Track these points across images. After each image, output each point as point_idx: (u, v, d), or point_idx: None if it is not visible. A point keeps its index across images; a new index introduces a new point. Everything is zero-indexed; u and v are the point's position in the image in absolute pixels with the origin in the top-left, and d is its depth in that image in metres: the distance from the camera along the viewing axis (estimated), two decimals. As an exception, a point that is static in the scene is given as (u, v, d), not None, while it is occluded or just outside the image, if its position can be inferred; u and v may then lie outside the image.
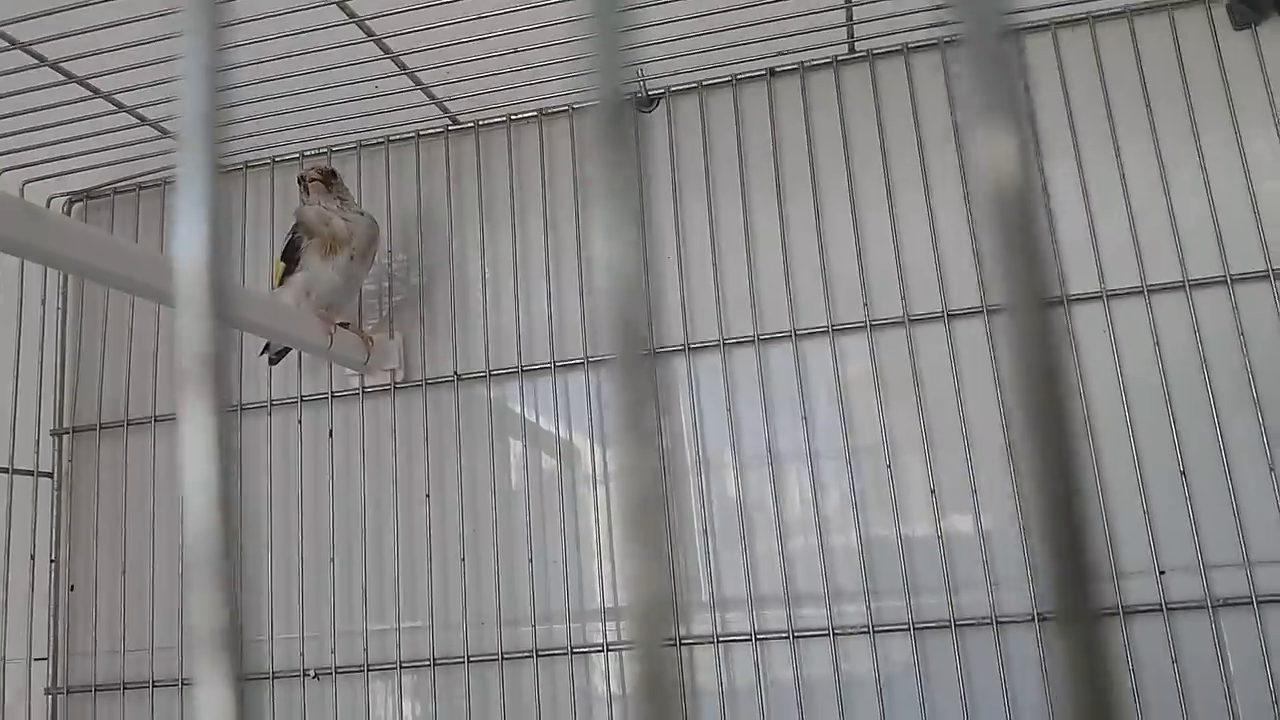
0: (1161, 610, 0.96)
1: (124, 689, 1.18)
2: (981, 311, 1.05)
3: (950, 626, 1.00)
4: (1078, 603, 0.18)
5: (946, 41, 1.11)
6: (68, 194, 1.31)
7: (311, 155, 1.26)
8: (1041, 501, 0.18)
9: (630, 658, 0.18)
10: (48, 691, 1.20)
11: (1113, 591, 0.97)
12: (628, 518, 0.19)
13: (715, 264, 1.13)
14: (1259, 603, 0.94)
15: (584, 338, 1.14)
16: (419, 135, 1.24)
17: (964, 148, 1.07)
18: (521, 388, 1.16)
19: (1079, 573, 0.18)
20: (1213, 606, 0.95)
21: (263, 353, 1.19)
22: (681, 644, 1.06)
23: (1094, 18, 1.08)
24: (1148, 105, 1.05)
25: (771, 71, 1.15)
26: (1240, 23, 1.05)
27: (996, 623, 0.99)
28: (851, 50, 1.13)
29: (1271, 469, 0.96)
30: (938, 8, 1.03)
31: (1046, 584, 0.18)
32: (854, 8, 1.05)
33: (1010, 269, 0.18)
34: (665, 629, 0.18)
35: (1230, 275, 1.00)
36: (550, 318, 1.16)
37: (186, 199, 0.20)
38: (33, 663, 1.17)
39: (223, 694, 0.19)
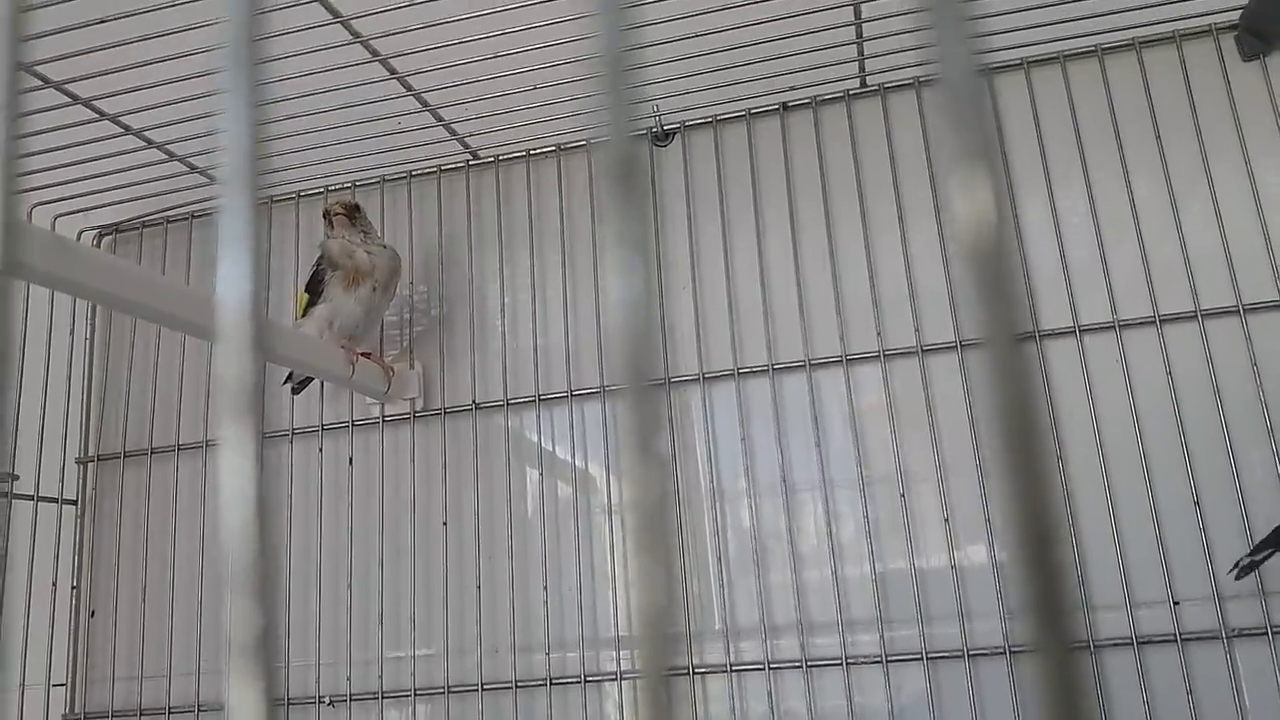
0: (1176, 641, 0.95)
1: (141, 715, 1.19)
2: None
3: (964, 656, 0.99)
4: (1053, 634, 0.18)
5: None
6: (97, 228, 1.34)
7: (336, 190, 1.29)
8: (1017, 536, 0.18)
9: (637, 661, 0.19)
10: (65, 717, 1.21)
11: (1127, 622, 0.97)
12: (637, 534, 0.19)
13: (730, 294, 1.14)
14: (1274, 633, 0.93)
15: (600, 368, 1.15)
16: (440, 170, 1.27)
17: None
18: (539, 417, 1.17)
19: (1055, 605, 0.18)
20: (1227, 637, 0.94)
21: (285, 382, 1.21)
22: (695, 672, 1.06)
23: (1103, 49, 1.09)
24: (1157, 136, 1.06)
25: (784, 105, 1.17)
26: (1249, 54, 1.06)
27: (1010, 652, 0.98)
28: (863, 84, 1.15)
29: (1286, 498, 0.96)
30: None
31: (1019, 615, 0.18)
32: (865, 42, 1.06)
33: (987, 311, 0.19)
34: (673, 640, 0.19)
35: (1243, 305, 1.01)
36: (568, 348, 1.17)
37: (229, 237, 0.21)
38: (51, 688, 1.18)
39: (254, 701, 0.20)
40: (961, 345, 1.06)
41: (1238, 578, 0.90)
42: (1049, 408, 1.03)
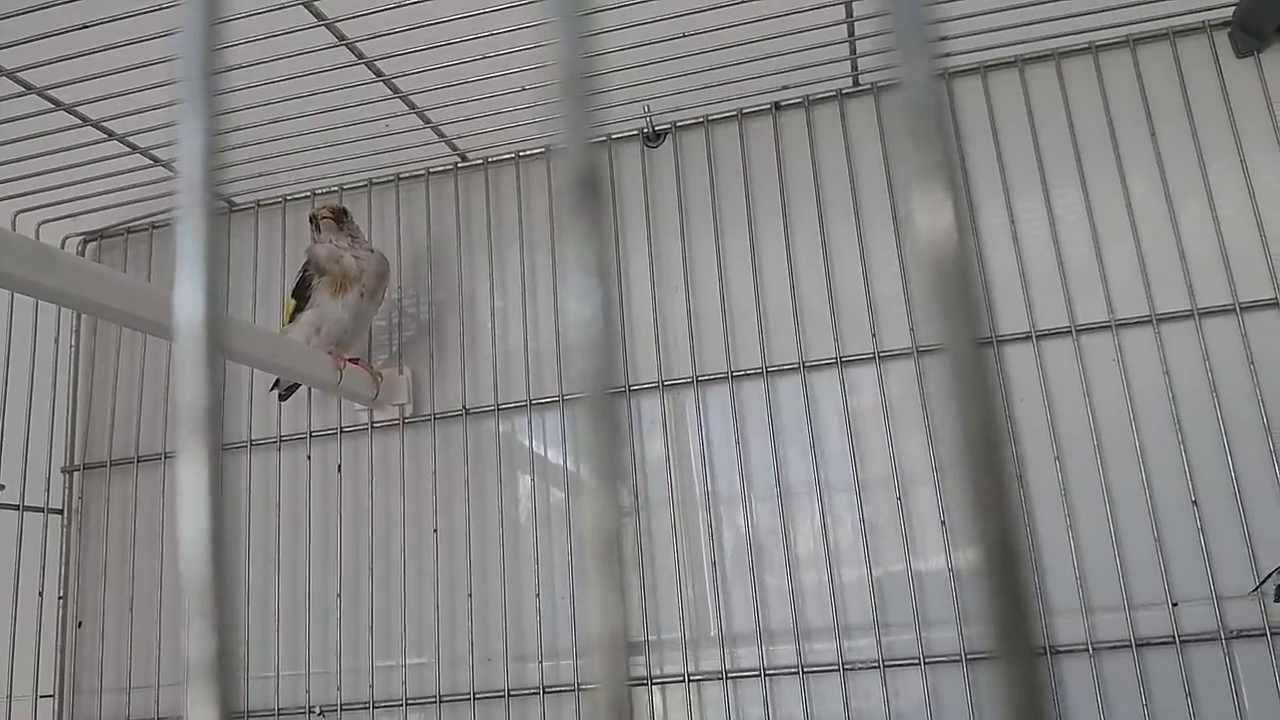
0: (1175, 642, 0.95)
1: (130, 726, 1.18)
2: (991, 343, 1.04)
3: (961, 660, 0.98)
4: (1018, 640, 0.18)
5: (945, 72, 1.12)
6: (82, 234, 1.33)
7: (322, 194, 1.28)
8: (979, 540, 0.18)
9: (593, 695, 0.19)
10: (54, 729, 1.20)
11: (1126, 623, 0.96)
12: (595, 556, 0.19)
13: (723, 296, 1.13)
14: (1273, 634, 0.93)
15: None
16: (429, 173, 1.25)
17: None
18: (530, 421, 1.16)
19: (1020, 610, 0.18)
20: (1226, 638, 0.94)
21: (273, 388, 1.20)
22: (690, 680, 1.05)
23: (1097, 46, 1.09)
24: (1152, 133, 1.05)
25: (777, 105, 1.16)
26: (1242, 50, 1.05)
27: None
28: (856, 83, 1.14)
29: (1285, 498, 0.95)
30: (940, 39, 1.04)
31: (981, 621, 0.18)
32: (857, 41, 1.06)
33: (948, 321, 0.19)
34: (628, 665, 0.19)
35: (1239, 303, 1.00)
36: (559, 352, 1.16)
37: (185, 253, 0.21)
38: (39, 699, 1.17)
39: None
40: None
41: (1276, 599, 0.89)
42: (1045, 407, 1.02)
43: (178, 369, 0.20)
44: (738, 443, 1.09)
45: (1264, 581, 0.90)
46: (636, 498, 1.10)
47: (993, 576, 0.18)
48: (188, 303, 0.20)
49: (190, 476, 0.19)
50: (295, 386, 1.20)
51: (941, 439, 1.03)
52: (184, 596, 0.19)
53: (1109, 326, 1.03)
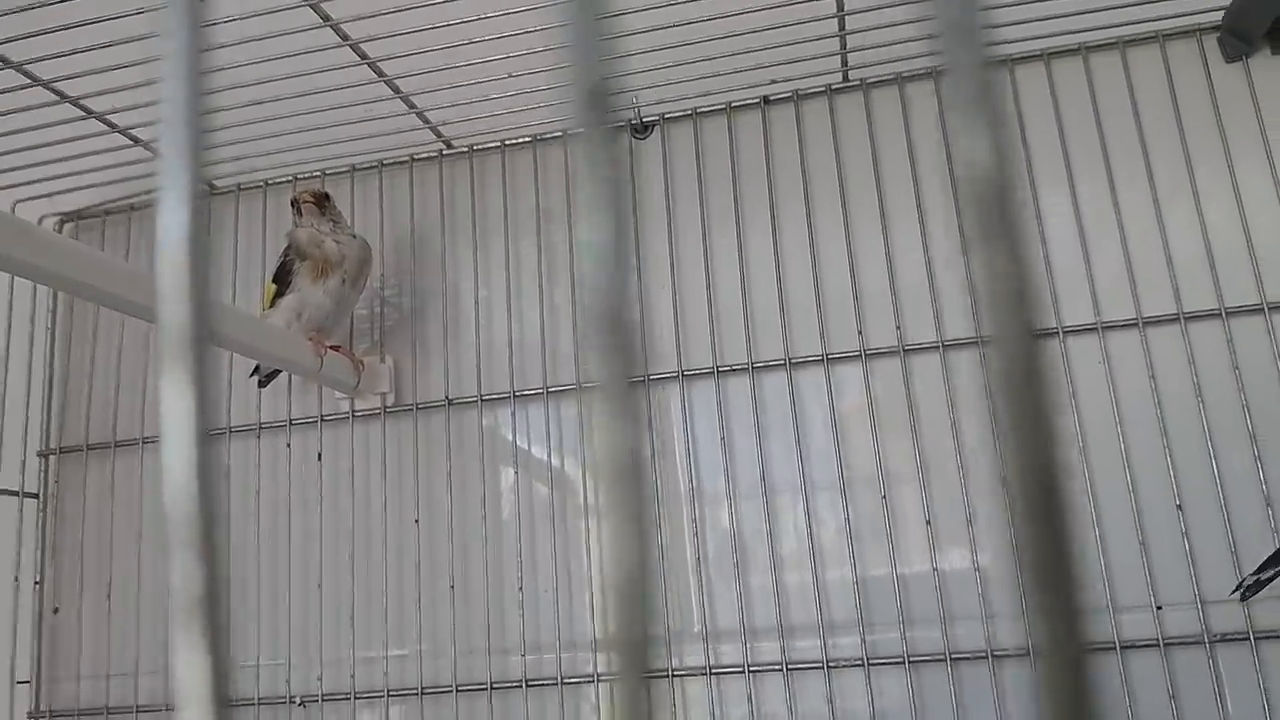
0: (1159, 645, 0.95)
1: (108, 713, 1.17)
2: (976, 342, 1.04)
3: (945, 660, 0.99)
4: (1064, 638, 0.18)
5: (937, 71, 1.11)
6: (59, 214, 1.31)
7: (304, 178, 1.26)
8: (1029, 535, 0.17)
9: (613, 632, 0.18)
10: (30, 715, 1.19)
11: (1110, 626, 0.96)
12: (608, 488, 0.18)
13: (709, 291, 1.12)
14: (1256, 638, 0.93)
15: (576, 364, 1.13)
16: (413, 159, 1.24)
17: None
18: (514, 413, 1.15)
19: (1067, 607, 0.18)
20: (1210, 642, 0.94)
21: (252, 374, 1.18)
22: (674, 675, 1.05)
23: (1086, 48, 1.08)
24: (1141, 137, 1.05)
25: (766, 99, 1.15)
26: (1231, 55, 1.05)
27: (992, 656, 0.98)
28: (846, 79, 1.13)
29: (1268, 503, 0.96)
30: (931, 36, 1.03)
31: (1034, 619, 0.18)
32: (848, 36, 1.05)
33: (991, 270, 0.18)
34: (648, 601, 0.18)
35: (1225, 308, 1.00)
36: (543, 344, 1.15)
37: (170, 168, 0.20)
38: (15, 686, 1.15)
39: (201, 659, 0.19)
40: (944, 345, 1.05)
41: (1243, 598, 0.90)
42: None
43: (160, 287, 0.19)
44: (723, 439, 1.09)
45: (1242, 584, 0.90)
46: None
47: (1041, 575, 0.17)
48: (172, 219, 0.19)
49: (174, 402, 0.19)
50: (275, 373, 1.18)
51: (928, 437, 1.03)
52: (169, 528, 0.18)
53: (1095, 329, 1.03)
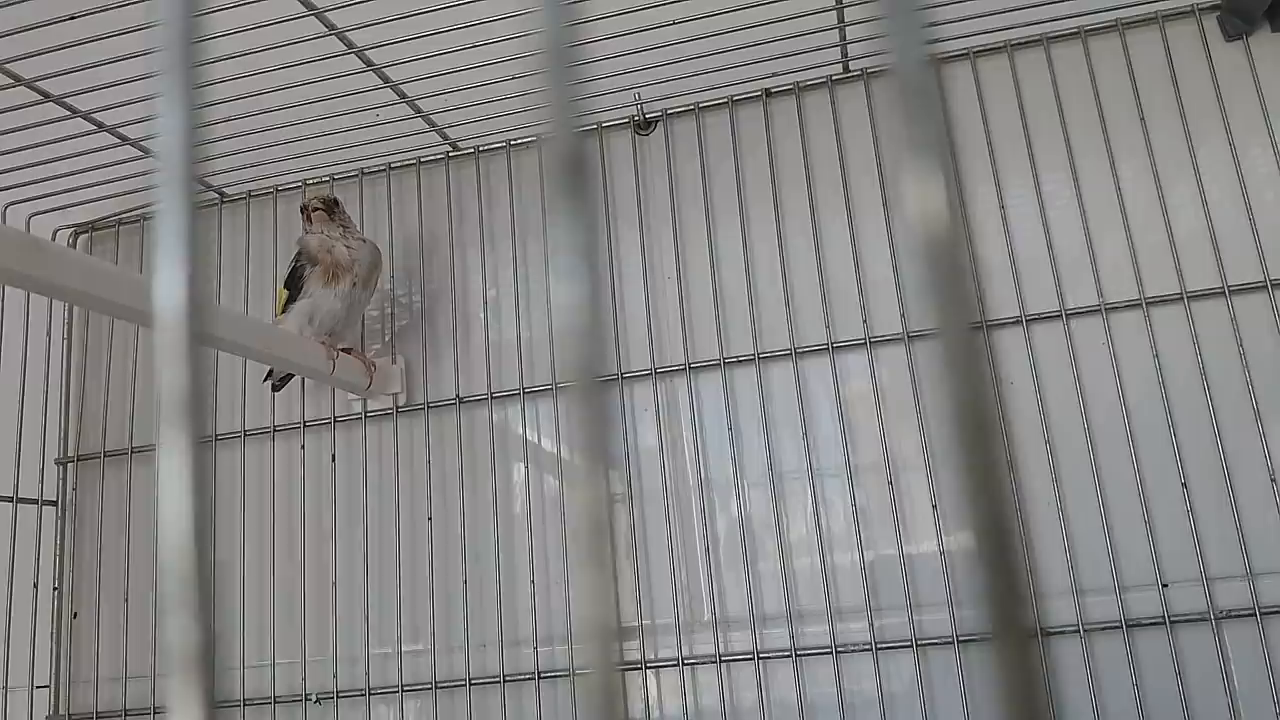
0: (1165, 623, 0.95)
1: (125, 716, 1.18)
2: (980, 327, 1.05)
3: (953, 642, 0.99)
4: (1011, 621, 0.18)
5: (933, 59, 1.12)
6: (73, 226, 1.33)
7: (313, 184, 1.27)
8: (971, 523, 0.18)
9: (580, 680, 0.19)
10: (50, 719, 1.20)
11: (1116, 604, 0.97)
12: (584, 539, 0.19)
13: (715, 283, 1.13)
14: (1262, 614, 0.93)
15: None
16: (420, 162, 1.25)
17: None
18: (524, 410, 1.16)
19: (1013, 592, 0.18)
20: (1216, 619, 0.94)
21: (266, 379, 1.20)
22: (684, 663, 1.06)
23: (1086, 31, 1.09)
24: (1141, 118, 1.06)
25: (767, 92, 1.16)
26: (1231, 34, 1.05)
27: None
28: (846, 70, 1.14)
29: (1273, 480, 0.96)
30: (931, 25, 1.04)
31: (975, 604, 0.18)
32: (848, 28, 1.06)
33: (940, 301, 0.19)
34: (618, 649, 0.19)
35: (1228, 287, 1.00)
36: (551, 340, 1.16)
37: (165, 237, 0.21)
38: (34, 690, 1.17)
39: (195, 716, 0.19)
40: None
41: None
42: (1036, 391, 1.02)
43: (158, 357, 0.20)
44: (730, 429, 1.09)
45: None
46: (630, 484, 1.11)
47: (986, 559, 0.18)
48: (168, 289, 0.20)
49: (171, 467, 0.19)
50: (289, 377, 1.20)
51: (933, 423, 1.04)
52: (164, 587, 0.19)
53: (1099, 310, 1.03)
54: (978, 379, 0.18)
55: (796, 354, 1.09)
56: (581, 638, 0.18)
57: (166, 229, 0.20)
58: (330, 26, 0.96)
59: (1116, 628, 0.96)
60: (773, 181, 1.14)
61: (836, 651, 1.02)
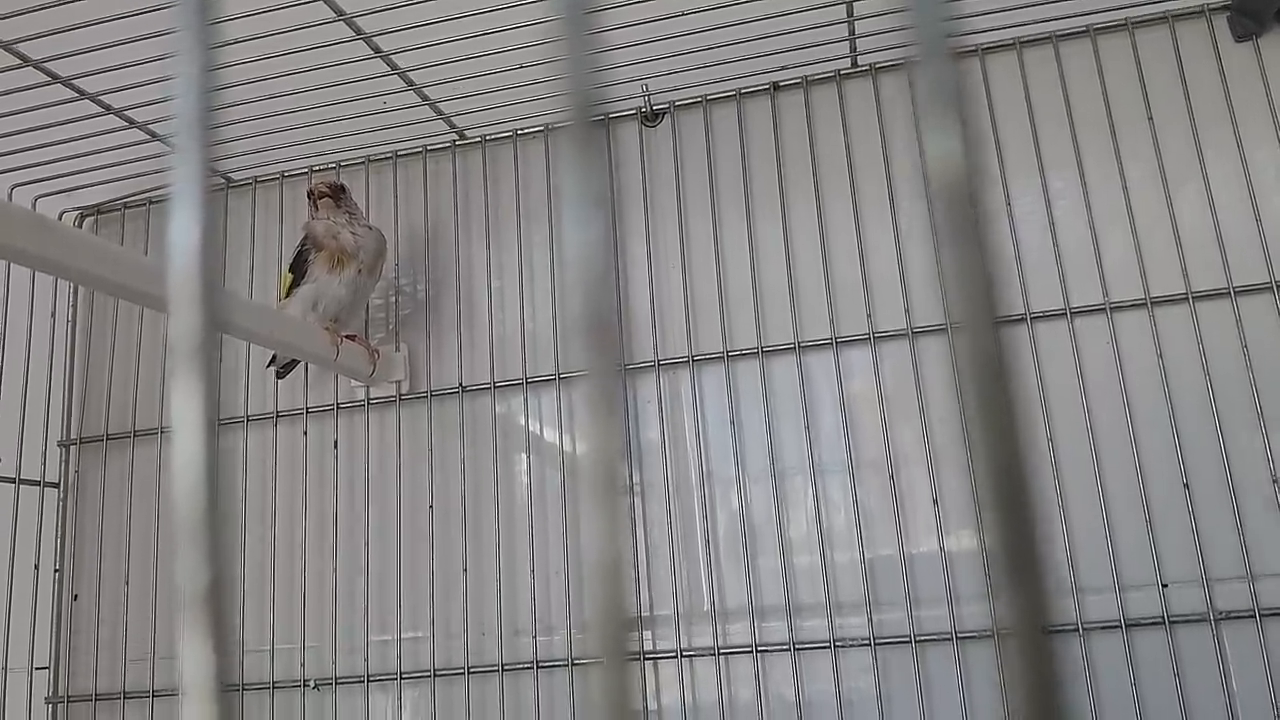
0: (1164, 624, 0.95)
1: (124, 698, 1.18)
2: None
3: (952, 639, 0.99)
4: (1030, 617, 0.18)
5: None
6: (79, 209, 1.33)
7: (320, 170, 1.27)
8: (995, 515, 0.18)
9: (591, 623, 0.19)
10: (48, 700, 1.20)
11: (1116, 604, 0.97)
12: (593, 488, 0.19)
13: (720, 276, 1.13)
14: (1262, 616, 0.93)
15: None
16: (426, 150, 1.25)
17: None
18: (526, 399, 1.16)
19: (1034, 586, 0.18)
20: (1215, 620, 0.94)
21: (270, 365, 1.20)
22: (683, 656, 1.06)
23: (1095, 30, 1.09)
24: (1150, 118, 1.06)
25: (775, 85, 1.16)
26: (1241, 34, 1.05)
27: (998, 635, 0.98)
28: (854, 64, 1.14)
29: (1275, 481, 0.96)
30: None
31: (998, 600, 0.18)
32: (856, 21, 1.05)
33: (960, 262, 0.19)
34: (627, 599, 0.19)
35: (1234, 287, 1.00)
36: (555, 330, 1.16)
37: (180, 193, 0.21)
38: (34, 671, 1.17)
39: (205, 654, 0.19)
40: (952, 327, 1.05)
41: None
42: (1039, 389, 1.02)
43: (171, 297, 0.20)
44: (732, 423, 1.09)
45: None
46: (631, 477, 1.11)
47: (1010, 555, 0.18)
48: (182, 229, 0.20)
49: (184, 406, 0.19)
50: (293, 364, 1.20)
51: (936, 419, 1.04)
52: (177, 527, 0.19)
53: (1103, 309, 1.03)
54: (996, 330, 0.18)
55: (800, 348, 1.09)
56: (590, 585, 0.18)
57: (182, 169, 0.20)
58: (339, 12, 0.96)
59: (1116, 627, 0.96)
60: (779, 176, 1.14)
61: (835, 646, 1.02)
